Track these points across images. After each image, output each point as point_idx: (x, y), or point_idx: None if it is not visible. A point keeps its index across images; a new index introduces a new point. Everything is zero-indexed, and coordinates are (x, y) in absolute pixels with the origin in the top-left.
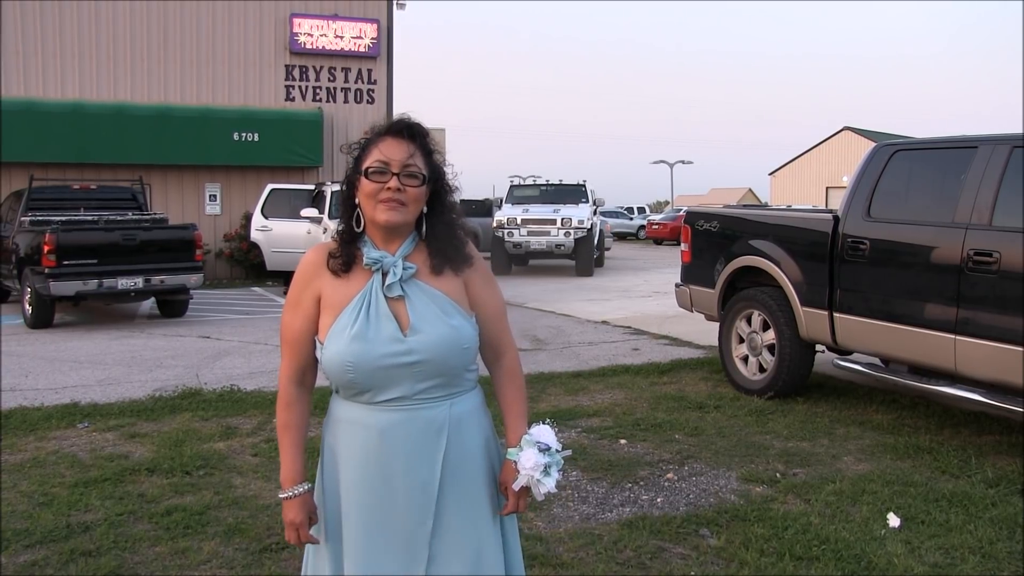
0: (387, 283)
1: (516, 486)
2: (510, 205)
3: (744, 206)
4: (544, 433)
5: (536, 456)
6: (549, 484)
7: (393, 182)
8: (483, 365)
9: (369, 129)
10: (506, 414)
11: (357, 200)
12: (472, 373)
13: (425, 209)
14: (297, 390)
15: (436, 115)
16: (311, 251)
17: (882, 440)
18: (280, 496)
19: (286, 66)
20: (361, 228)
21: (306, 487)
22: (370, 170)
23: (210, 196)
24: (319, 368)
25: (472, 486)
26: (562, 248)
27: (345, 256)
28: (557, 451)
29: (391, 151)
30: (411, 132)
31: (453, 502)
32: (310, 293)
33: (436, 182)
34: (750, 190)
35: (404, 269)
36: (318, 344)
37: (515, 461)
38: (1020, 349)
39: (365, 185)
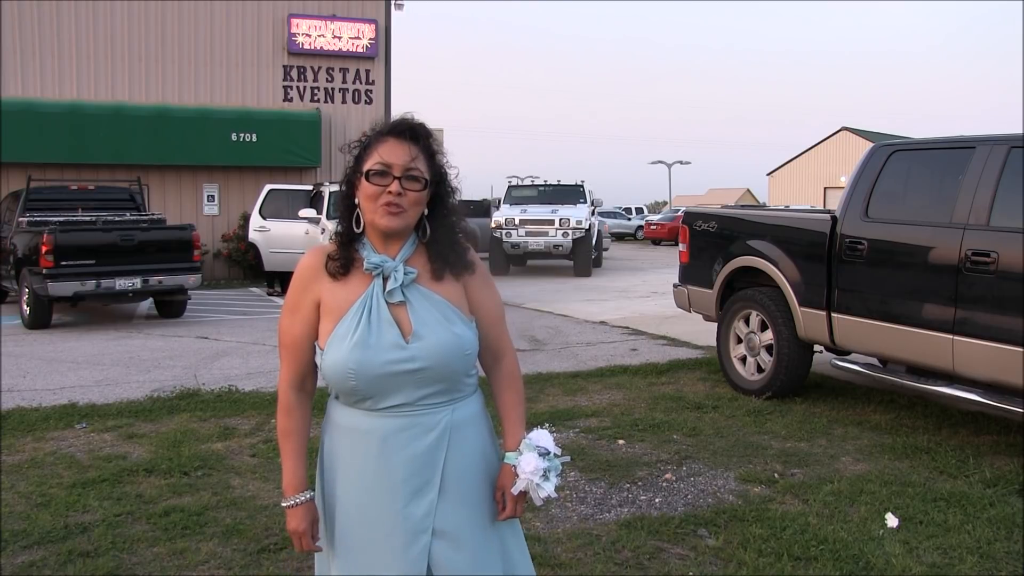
0: (388, 288)
1: (515, 490)
2: (508, 205)
3: (742, 206)
4: (543, 437)
5: (536, 460)
6: (548, 489)
7: (394, 186)
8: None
9: (371, 128)
10: (504, 418)
11: (357, 200)
12: (472, 378)
13: (426, 211)
14: (297, 396)
15: (434, 115)
16: (308, 254)
17: (880, 440)
18: (283, 504)
19: (284, 66)
20: (361, 229)
21: (309, 495)
22: (371, 172)
23: (208, 197)
24: (319, 374)
25: (472, 491)
26: (560, 248)
27: (343, 259)
28: (556, 456)
29: (393, 153)
30: (414, 133)
31: (454, 508)
32: (309, 298)
33: (438, 184)
34: (748, 190)
35: (405, 274)
36: (318, 350)
37: (514, 465)
38: (1018, 349)
39: (365, 187)
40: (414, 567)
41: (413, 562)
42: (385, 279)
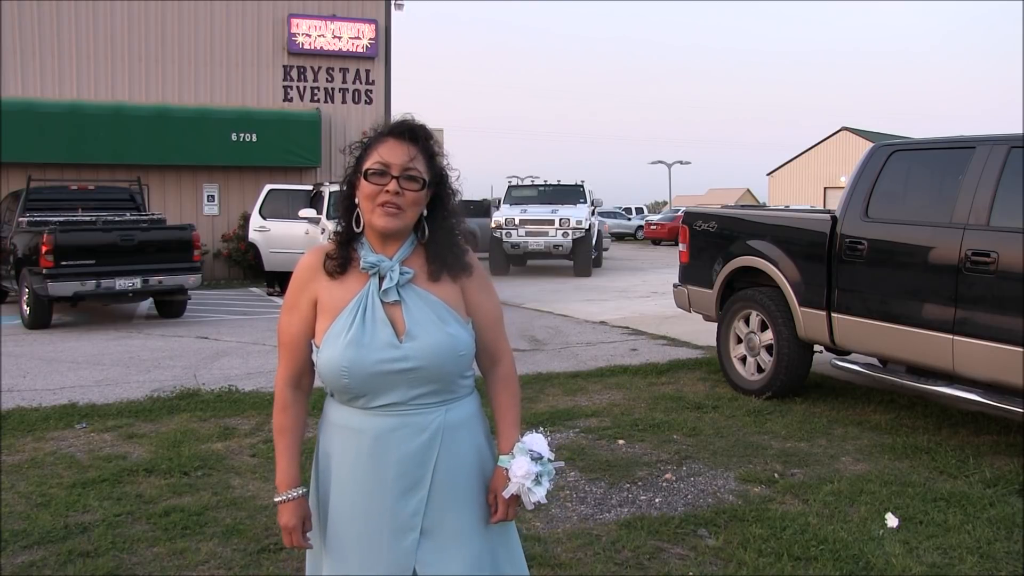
0: (383, 288)
1: (506, 494)
2: (508, 205)
3: (742, 206)
4: (537, 441)
5: (528, 464)
6: (540, 494)
7: (392, 185)
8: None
9: (371, 129)
10: (499, 421)
11: (357, 200)
12: (468, 380)
13: (425, 212)
14: (293, 393)
15: (434, 115)
16: (308, 254)
17: (880, 440)
18: (275, 500)
19: (284, 66)
20: (360, 229)
21: (301, 491)
22: (370, 172)
23: (208, 197)
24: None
25: (463, 493)
26: (560, 248)
27: (341, 258)
28: (549, 460)
29: (392, 153)
30: (413, 134)
31: (443, 509)
32: (307, 296)
33: (438, 185)
34: (748, 190)
35: (401, 274)
36: (314, 348)
37: (506, 468)
38: (1018, 349)
39: (364, 187)
40: (399, 565)
41: (399, 560)
42: (381, 278)
